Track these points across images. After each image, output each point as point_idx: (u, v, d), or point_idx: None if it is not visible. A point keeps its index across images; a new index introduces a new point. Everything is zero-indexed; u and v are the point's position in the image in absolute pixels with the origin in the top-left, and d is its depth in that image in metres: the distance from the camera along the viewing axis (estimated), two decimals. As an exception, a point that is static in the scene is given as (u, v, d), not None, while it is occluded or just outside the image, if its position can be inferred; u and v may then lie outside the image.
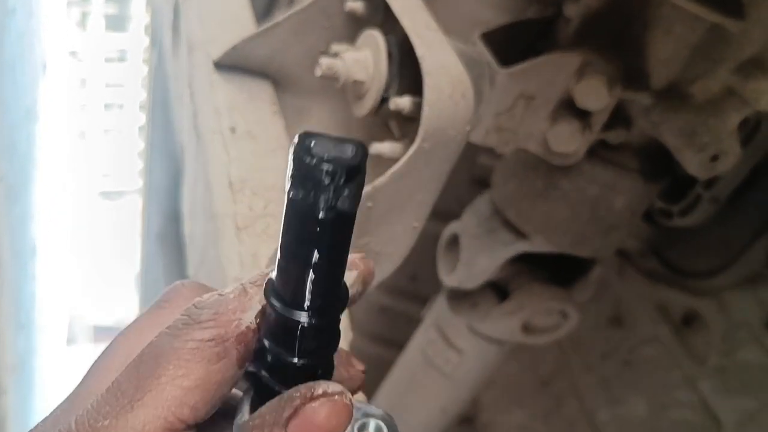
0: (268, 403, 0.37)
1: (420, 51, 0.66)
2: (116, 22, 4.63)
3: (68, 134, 4.35)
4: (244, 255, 0.75)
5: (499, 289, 1.06)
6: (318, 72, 0.76)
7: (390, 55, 0.75)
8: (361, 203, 0.69)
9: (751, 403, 1.11)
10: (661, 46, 0.78)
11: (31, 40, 3.10)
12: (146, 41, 2.03)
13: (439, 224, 1.09)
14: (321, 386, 0.37)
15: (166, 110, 1.84)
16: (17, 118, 3.00)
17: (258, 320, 0.38)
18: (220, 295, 0.39)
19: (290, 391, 0.37)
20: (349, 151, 0.32)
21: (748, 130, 1.02)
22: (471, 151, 1.43)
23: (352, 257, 0.41)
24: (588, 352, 1.34)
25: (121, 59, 4.76)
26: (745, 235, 1.13)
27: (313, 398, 0.37)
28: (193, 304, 0.39)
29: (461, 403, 1.20)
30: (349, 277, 0.40)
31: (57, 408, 0.42)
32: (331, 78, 0.76)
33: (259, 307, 0.38)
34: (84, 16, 4.40)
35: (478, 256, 0.97)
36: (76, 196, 4.84)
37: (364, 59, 0.76)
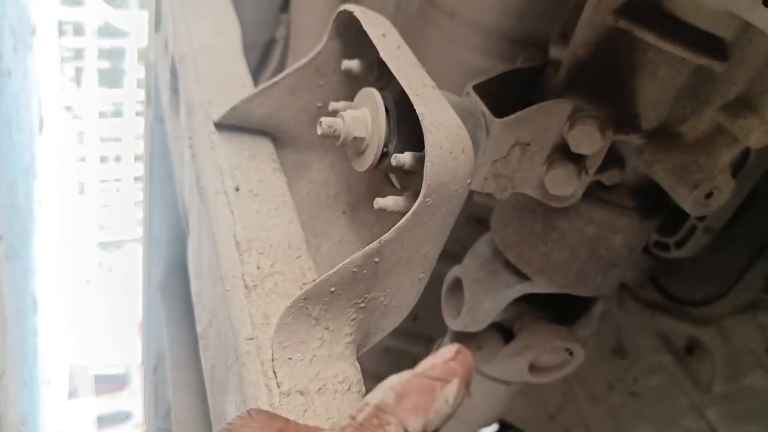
0: None
1: (420, 109, 0.68)
2: (110, 76, 4.69)
3: (67, 188, 4.37)
4: (255, 315, 0.76)
5: (503, 330, 1.07)
6: (319, 131, 0.78)
7: (387, 111, 0.77)
8: (368, 260, 0.71)
9: (758, 430, 1.12)
10: (649, 89, 0.80)
11: (27, 100, 3.14)
12: (140, 94, 2.06)
13: (437, 264, 1.10)
14: None
15: (166, 164, 1.86)
16: (16, 176, 3.02)
17: None
18: None
19: None
20: None
21: (738, 159, 1.04)
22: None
23: (444, 359, 0.37)
24: (593, 383, 1.36)
25: (116, 113, 4.81)
26: (741, 261, 1.15)
27: None
28: None
29: (472, 443, 1.21)
30: (451, 389, 0.36)
31: None
32: (331, 136, 0.78)
33: None
34: (78, 71, 4.46)
35: (481, 300, 0.99)
36: (75, 248, 4.85)
37: (363, 116, 0.78)
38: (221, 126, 0.97)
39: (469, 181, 0.70)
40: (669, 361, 1.23)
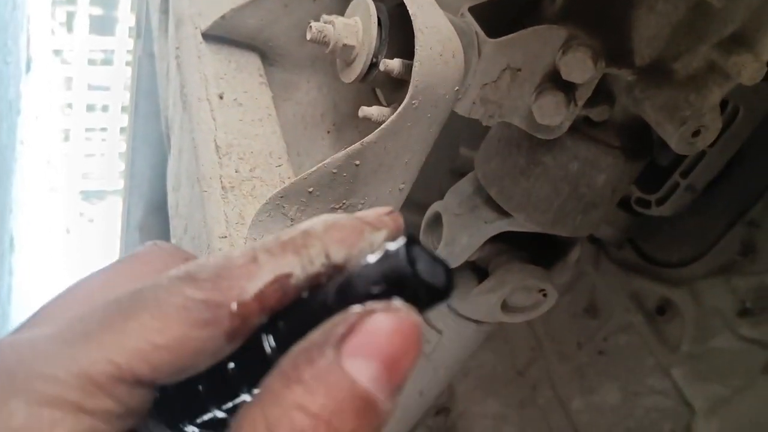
0: (318, 327, 0.32)
1: (412, 9, 0.67)
2: (101, 24, 4.63)
3: (51, 133, 4.33)
4: (230, 214, 0.75)
5: (478, 271, 1.07)
6: (308, 35, 0.76)
7: (379, 21, 0.76)
8: (349, 162, 0.70)
9: (722, 389, 1.12)
10: (645, 24, 0.79)
11: (15, 33, 3.09)
12: (132, 44, 2.03)
13: (420, 216, 1.10)
14: (381, 303, 0.32)
15: (152, 100, 1.84)
16: (-1, 109, 2.98)
17: (266, 291, 0.34)
18: (226, 257, 0.34)
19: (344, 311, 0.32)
20: (442, 276, 0.33)
21: (726, 118, 1.04)
22: (453, 143, 1.45)
23: (378, 213, 0.38)
24: (563, 341, 1.36)
25: (106, 61, 4.75)
26: (719, 225, 1.15)
27: (372, 312, 0.31)
28: (195, 262, 0.35)
29: (438, 387, 1.20)
30: (378, 236, 0.37)
31: None
32: (320, 42, 0.77)
33: (270, 278, 0.34)
34: (69, 16, 4.39)
35: (459, 235, 0.98)
36: (58, 196, 4.81)
37: (354, 24, 0.77)
38: (209, 37, 0.96)
39: (456, 88, 0.69)
40: (639, 321, 1.23)
